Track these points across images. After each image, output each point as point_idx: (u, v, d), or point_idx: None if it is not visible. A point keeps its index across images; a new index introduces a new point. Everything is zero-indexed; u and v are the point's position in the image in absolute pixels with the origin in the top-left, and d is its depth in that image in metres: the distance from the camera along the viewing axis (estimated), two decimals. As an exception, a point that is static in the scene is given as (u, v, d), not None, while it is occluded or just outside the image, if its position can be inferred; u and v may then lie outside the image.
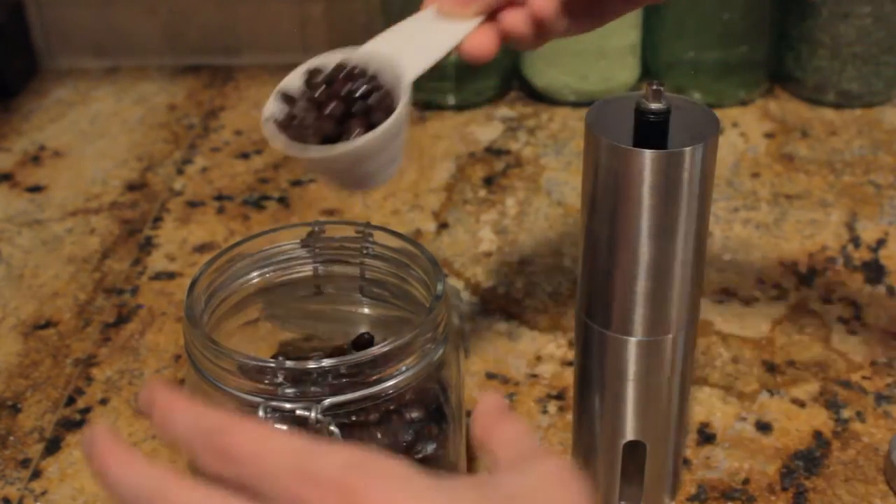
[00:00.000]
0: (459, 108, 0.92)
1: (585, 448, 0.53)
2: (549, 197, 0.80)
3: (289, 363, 0.43)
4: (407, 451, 0.46)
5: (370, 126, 0.42)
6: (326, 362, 0.43)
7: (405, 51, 0.45)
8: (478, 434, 0.37)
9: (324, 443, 0.32)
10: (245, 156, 0.86)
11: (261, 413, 0.42)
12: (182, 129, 0.91)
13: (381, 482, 0.30)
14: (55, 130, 0.91)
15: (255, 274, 0.51)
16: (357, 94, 0.43)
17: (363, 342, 0.50)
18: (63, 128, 0.91)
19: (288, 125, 0.44)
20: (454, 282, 0.71)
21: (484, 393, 0.37)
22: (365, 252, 0.51)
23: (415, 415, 0.46)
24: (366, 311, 0.54)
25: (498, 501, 0.32)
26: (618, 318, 0.48)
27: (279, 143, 0.43)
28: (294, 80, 0.46)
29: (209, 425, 0.32)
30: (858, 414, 0.59)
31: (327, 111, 0.43)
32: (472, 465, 0.56)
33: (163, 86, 0.98)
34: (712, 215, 0.71)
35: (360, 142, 0.42)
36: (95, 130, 0.91)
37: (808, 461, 0.56)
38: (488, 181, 0.82)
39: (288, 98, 0.45)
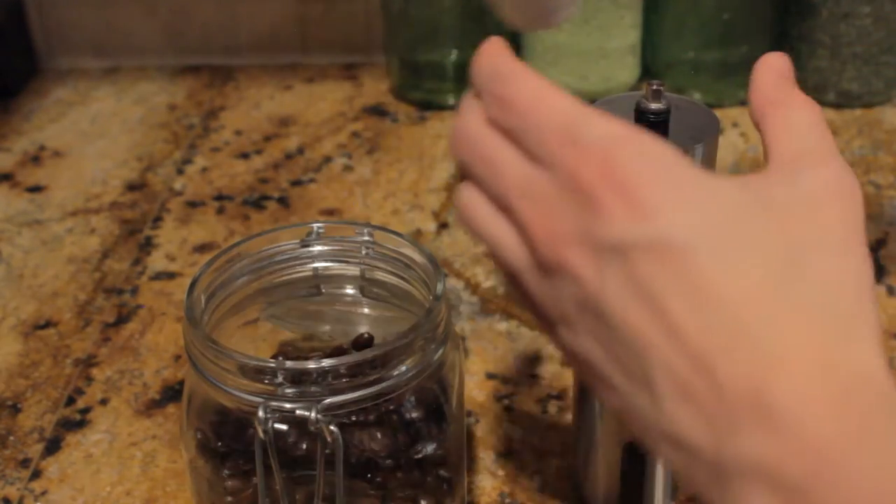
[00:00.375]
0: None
1: (586, 448, 0.53)
2: (549, 197, 0.80)
3: (289, 363, 0.43)
4: (407, 451, 0.46)
5: None
6: (326, 362, 0.43)
7: None
8: (757, 109, 0.35)
9: (598, 114, 0.33)
10: (245, 156, 0.86)
11: (261, 413, 0.42)
12: (182, 129, 0.91)
13: (643, 161, 0.31)
14: (55, 130, 0.91)
15: (255, 274, 0.51)
16: None
17: (363, 342, 0.51)
18: (63, 128, 0.91)
19: None
20: (454, 282, 0.71)
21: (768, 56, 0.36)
22: (365, 252, 0.51)
23: (415, 415, 0.46)
24: (366, 311, 0.54)
25: (762, 209, 0.31)
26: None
27: None
28: None
29: (498, 72, 0.35)
30: (858, 414, 0.59)
31: None
32: (472, 465, 0.56)
33: (163, 86, 0.98)
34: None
35: None
36: (95, 130, 0.91)
37: (808, 461, 0.56)
38: (488, 181, 0.82)
39: None
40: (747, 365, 0.29)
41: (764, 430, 0.28)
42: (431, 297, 0.46)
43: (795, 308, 0.30)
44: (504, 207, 0.35)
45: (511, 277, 0.35)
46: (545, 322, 0.35)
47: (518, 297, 0.37)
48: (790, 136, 0.34)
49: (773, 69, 0.35)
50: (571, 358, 0.35)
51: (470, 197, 0.36)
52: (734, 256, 0.30)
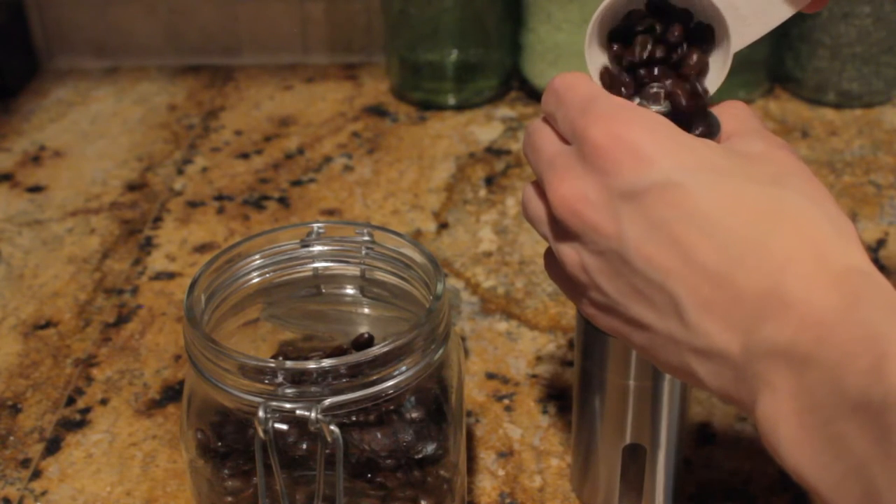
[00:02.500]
0: (459, 108, 0.92)
1: (586, 450, 0.53)
2: (549, 197, 0.80)
3: (289, 363, 0.43)
4: (407, 451, 0.46)
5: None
6: (326, 362, 0.43)
7: (738, 14, 0.43)
8: (714, 110, 0.42)
9: (612, 95, 0.40)
10: (245, 156, 0.86)
11: (261, 413, 0.42)
12: (182, 129, 0.91)
13: (642, 122, 0.38)
14: (55, 130, 0.91)
15: (255, 274, 0.51)
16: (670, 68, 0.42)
17: (363, 342, 0.50)
18: (63, 128, 0.91)
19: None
20: (454, 282, 0.71)
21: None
22: (365, 252, 0.51)
23: (415, 415, 0.46)
24: (366, 311, 0.54)
25: (737, 157, 0.38)
26: (618, 318, 0.48)
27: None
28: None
29: (556, 74, 0.42)
30: (858, 414, 0.59)
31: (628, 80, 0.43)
32: (472, 465, 0.56)
33: (163, 86, 0.98)
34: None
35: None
36: (95, 130, 0.91)
37: (808, 461, 0.56)
38: (488, 181, 0.82)
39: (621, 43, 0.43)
40: (760, 271, 0.34)
41: (780, 318, 0.33)
42: (431, 297, 0.46)
43: (791, 218, 0.35)
44: (539, 182, 0.41)
45: (548, 251, 0.42)
46: (574, 289, 0.41)
47: (551, 271, 0.43)
48: (737, 121, 0.41)
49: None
50: (598, 317, 0.40)
51: (525, 188, 0.43)
52: (729, 184, 0.36)
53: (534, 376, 0.62)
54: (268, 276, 0.51)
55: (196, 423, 0.47)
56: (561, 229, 0.40)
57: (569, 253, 0.40)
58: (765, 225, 0.35)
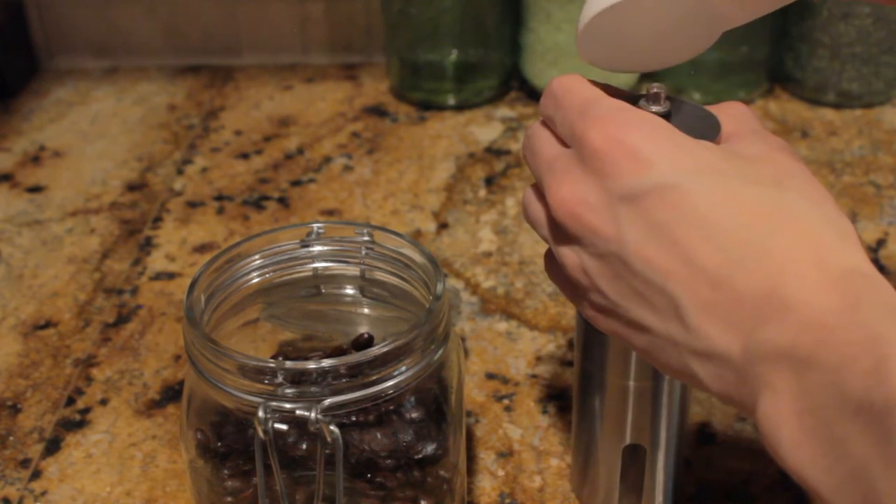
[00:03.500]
0: (459, 108, 0.92)
1: (586, 450, 0.53)
2: (549, 197, 0.80)
3: (289, 363, 0.43)
4: (407, 451, 0.46)
5: None
6: (326, 362, 0.43)
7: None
8: (713, 110, 0.43)
9: (609, 97, 0.40)
10: (245, 156, 0.86)
11: (261, 413, 0.42)
12: (182, 129, 0.91)
13: (640, 124, 0.38)
14: (55, 130, 0.91)
15: (255, 274, 0.51)
16: None
17: (363, 342, 0.50)
18: (63, 128, 0.91)
19: None
20: (454, 282, 0.71)
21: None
22: (365, 252, 0.51)
23: (415, 415, 0.46)
24: (366, 311, 0.54)
25: (736, 159, 0.38)
26: (618, 318, 0.48)
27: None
28: None
29: (554, 77, 0.42)
30: (858, 414, 0.59)
31: None
32: (472, 465, 0.56)
33: (163, 86, 0.98)
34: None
35: None
36: (95, 130, 0.91)
37: (808, 461, 0.56)
38: (488, 181, 0.82)
39: None
40: (759, 272, 0.34)
41: (780, 320, 0.33)
42: (431, 297, 0.46)
43: (790, 220, 0.35)
44: (539, 186, 0.41)
45: (548, 253, 0.43)
46: (574, 291, 0.42)
47: (552, 273, 0.44)
48: (736, 121, 0.41)
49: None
50: (599, 319, 0.40)
51: (525, 191, 0.43)
52: (728, 186, 0.36)
53: (534, 376, 0.62)
54: (268, 276, 0.51)
55: (196, 423, 0.47)
56: (561, 232, 0.40)
57: (569, 255, 0.40)
58: (764, 227, 0.35)
